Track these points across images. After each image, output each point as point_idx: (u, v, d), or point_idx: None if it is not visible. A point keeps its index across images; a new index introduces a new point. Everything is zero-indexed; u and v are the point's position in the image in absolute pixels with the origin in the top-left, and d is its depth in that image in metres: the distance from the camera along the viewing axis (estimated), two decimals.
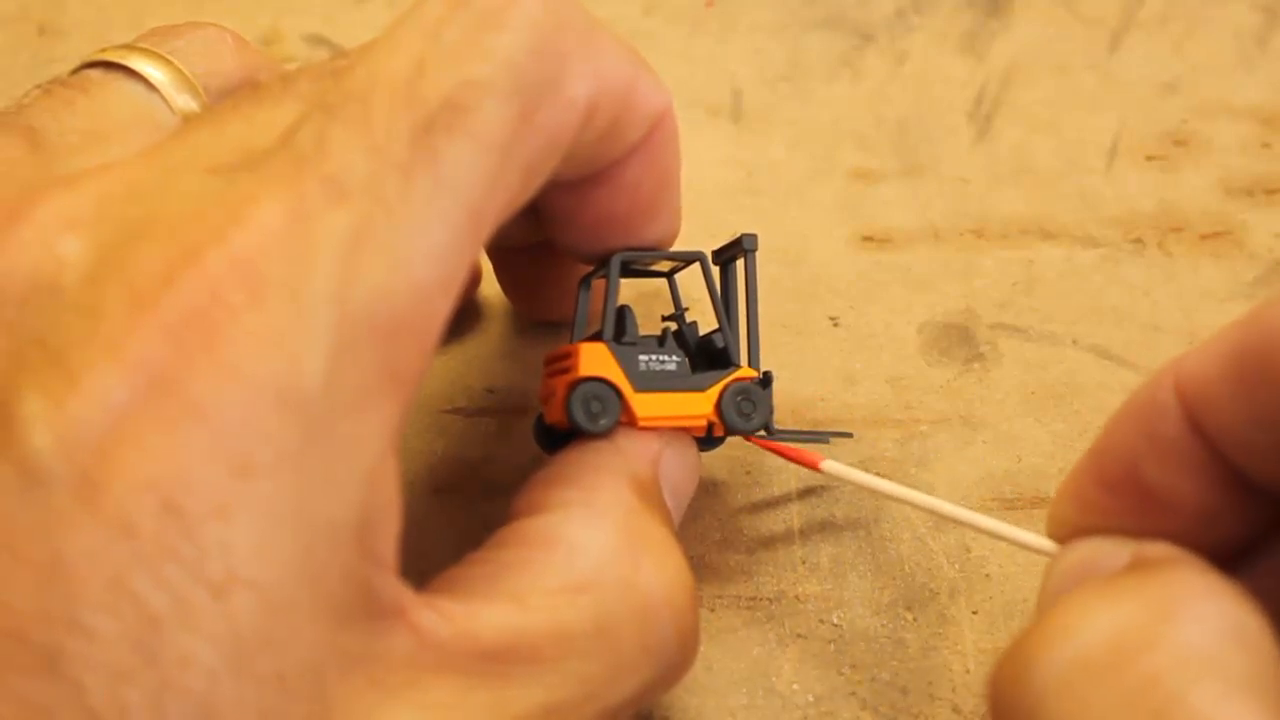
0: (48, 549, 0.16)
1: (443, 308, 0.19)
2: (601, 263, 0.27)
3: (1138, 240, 0.35)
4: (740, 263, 0.27)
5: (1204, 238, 0.35)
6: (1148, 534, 0.20)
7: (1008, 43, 0.40)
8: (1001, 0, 0.41)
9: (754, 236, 0.27)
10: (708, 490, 0.30)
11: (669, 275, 0.28)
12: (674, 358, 0.26)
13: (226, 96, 0.24)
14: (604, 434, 0.25)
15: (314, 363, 0.18)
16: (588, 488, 0.23)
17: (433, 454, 0.31)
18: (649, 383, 0.25)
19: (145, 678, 0.16)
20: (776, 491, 0.30)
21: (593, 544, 0.22)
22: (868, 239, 0.35)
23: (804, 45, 0.40)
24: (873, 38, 0.40)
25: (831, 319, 0.34)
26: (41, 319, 0.18)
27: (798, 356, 0.33)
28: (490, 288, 0.34)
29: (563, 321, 0.32)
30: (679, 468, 0.26)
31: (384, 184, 0.19)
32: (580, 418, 0.25)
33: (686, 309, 0.28)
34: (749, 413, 0.26)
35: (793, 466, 0.30)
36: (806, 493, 0.30)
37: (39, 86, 0.24)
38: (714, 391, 0.26)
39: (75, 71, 0.24)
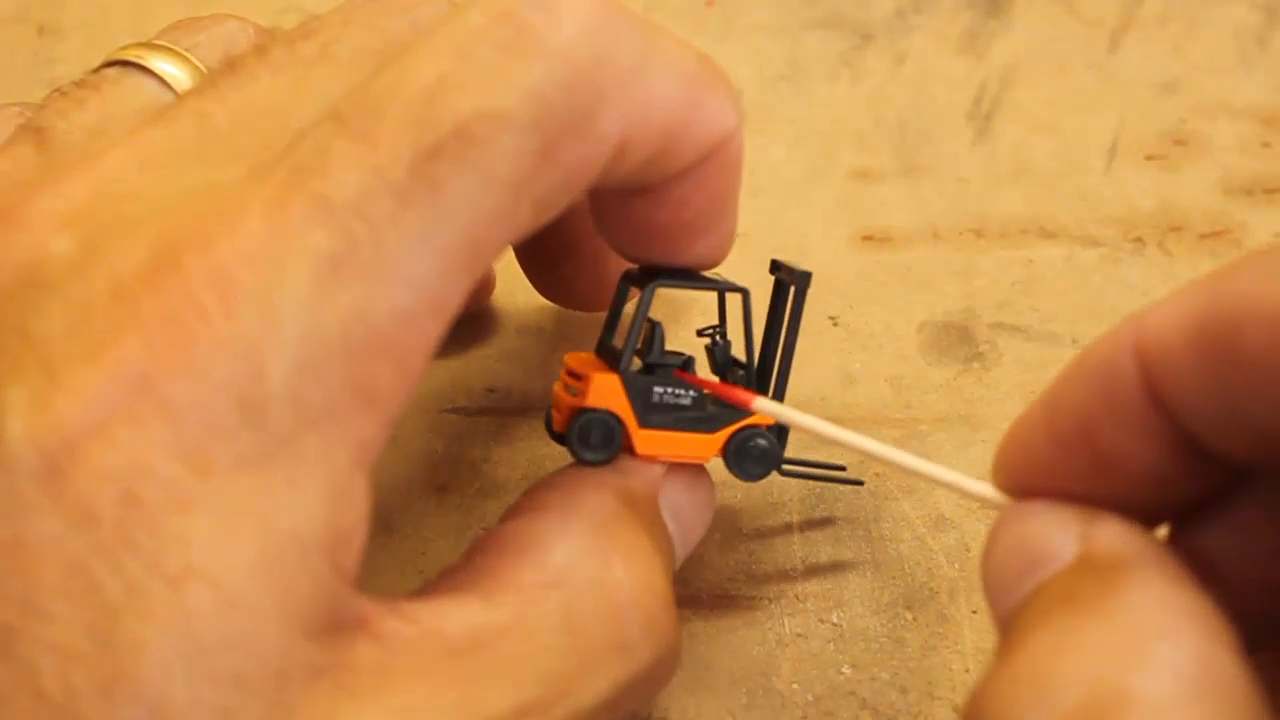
0: (9, 531, 0.17)
1: (430, 332, 0.19)
2: (641, 271, 0.26)
3: (1138, 240, 0.35)
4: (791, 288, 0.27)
5: (1204, 237, 0.35)
6: (1097, 491, 0.20)
7: (1007, 43, 0.40)
8: (1001, 0, 0.41)
9: (808, 275, 0.26)
10: None
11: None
12: (691, 392, 0.25)
13: (204, 76, 0.24)
14: (600, 465, 0.25)
15: (278, 373, 0.18)
16: (568, 493, 0.23)
17: (433, 454, 0.31)
18: (659, 417, 0.25)
19: (98, 664, 0.16)
20: (776, 491, 0.30)
21: (563, 543, 0.22)
22: (868, 239, 0.35)
23: (804, 45, 0.40)
24: (872, 37, 0.40)
25: (831, 319, 0.34)
26: (27, 311, 0.18)
27: (798, 356, 0.33)
28: (494, 290, 0.34)
29: (580, 309, 0.32)
30: (685, 494, 0.25)
31: (376, 206, 0.18)
32: (577, 447, 0.25)
33: (722, 329, 0.27)
34: (753, 463, 0.26)
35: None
36: (806, 493, 0.30)
37: (58, 89, 0.24)
38: (722, 435, 0.25)
39: (95, 71, 0.24)
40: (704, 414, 0.25)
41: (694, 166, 0.23)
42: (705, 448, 0.25)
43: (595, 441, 0.25)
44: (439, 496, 0.30)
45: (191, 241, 0.18)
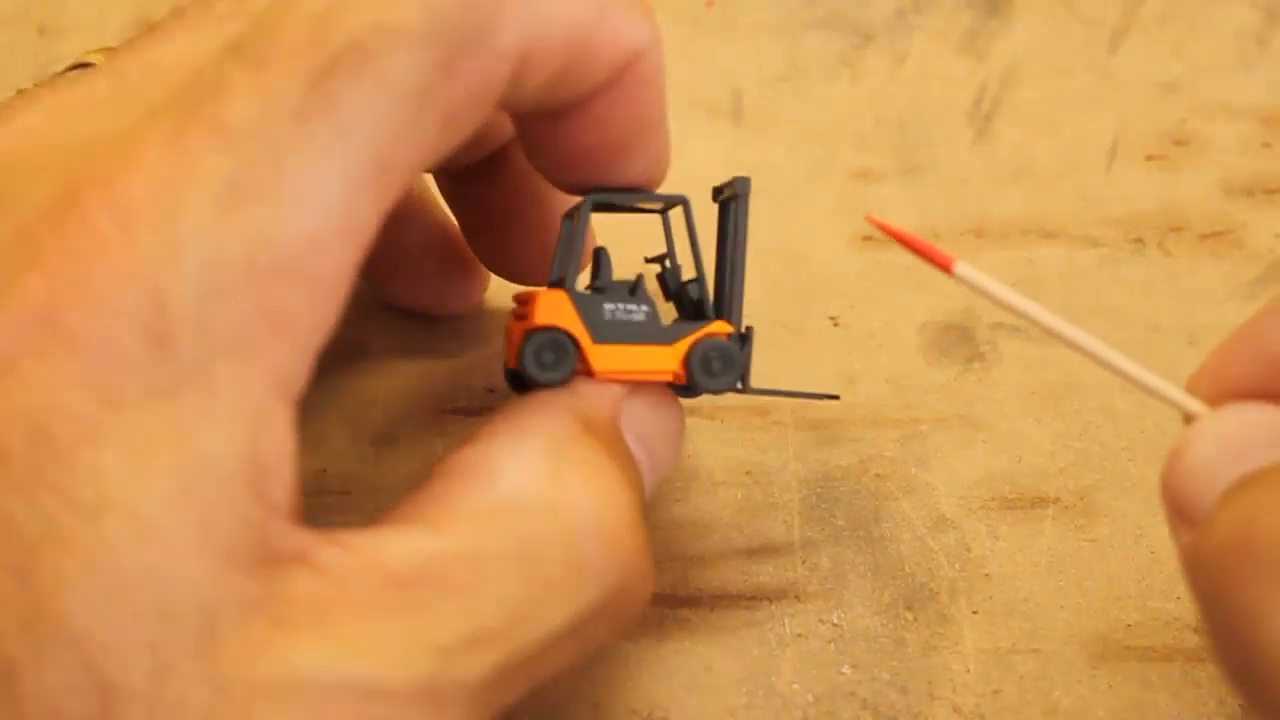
0: None
1: (341, 256, 0.19)
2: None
3: (1138, 240, 0.35)
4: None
5: (1204, 238, 0.35)
6: None
7: (1008, 43, 0.40)
8: (1001, 0, 0.41)
9: (746, 180, 0.26)
10: (707, 490, 0.30)
11: (662, 212, 0.27)
12: (643, 307, 0.25)
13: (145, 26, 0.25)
14: (557, 384, 0.24)
15: (182, 300, 0.18)
16: (520, 417, 0.23)
17: (433, 454, 0.31)
18: (612, 333, 0.24)
19: (19, 601, 0.16)
20: (776, 491, 0.30)
21: (514, 467, 0.21)
22: (868, 239, 0.35)
23: (804, 45, 0.40)
24: (873, 38, 0.40)
25: (831, 319, 0.34)
26: None
27: (798, 356, 0.33)
28: (491, 288, 0.34)
29: (528, 283, 0.31)
30: (649, 417, 0.25)
31: (273, 128, 0.18)
32: (531, 367, 0.24)
33: (671, 255, 0.27)
34: (718, 371, 0.25)
35: (792, 466, 0.30)
36: (807, 493, 0.30)
37: (19, 89, 0.24)
38: (682, 346, 0.25)
39: (59, 73, 0.25)
40: (660, 328, 0.25)
41: (609, 83, 0.23)
42: (666, 360, 0.25)
43: (549, 360, 0.24)
44: None
45: (91, 179, 0.18)
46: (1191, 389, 0.22)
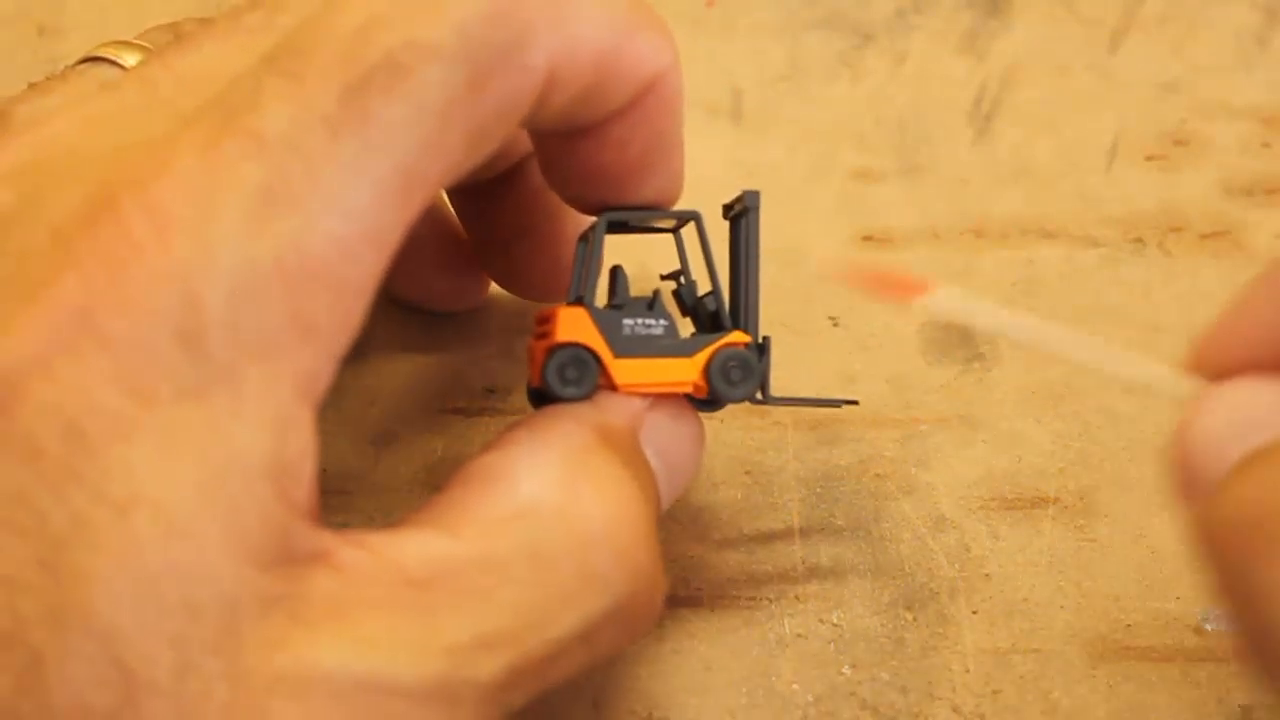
0: None
1: (368, 264, 0.19)
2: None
3: (1138, 240, 0.35)
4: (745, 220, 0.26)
5: (1204, 238, 0.35)
6: None
7: (1008, 43, 0.40)
8: (1001, 0, 0.41)
9: (756, 194, 0.26)
10: (708, 490, 0.30)
11: (674, 230, 0.27)
12: (661, 321, 0.25)
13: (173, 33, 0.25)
14: (580, 400, 0.24)
15: (214, 302, 0.18)
16: (540, 427, 0.23)
17: (433, 453, 0.31)
18: (632, 348, 0.25)
19: (46, 593, 0.17)
20: (776, 491, 0.30)
21: (530, 475, 0.22)
22: (868, 239, 0.35)
23: (804, 45, 0.40)
24: (873, 38, 0.40)
25: (831, 319, 0.34)
26: None
27: (798, 356, 0.33)
28: (492, 288, 0.34)
29: (537, 298, 0.32)
30: (669, 432, 0.25)
31: (307, 138, 0.19)
32: (554, 383, 0.24)
33: (685, 271, 0.27)
34: (738, 380, 0.25)
35: (792, 466, 0.30)
36: (806, 493, 0.30)
37: (31, 83, 0.24)
38: (701, 357, 0.25)
39: (70, 67, 0.25)
40: (679, 340, 0.25)
41: (630, 105, 0.23)
42: (686, 371, 0.25)
43: (571, 376, 0.24)
44: None
45: (127, 184, 0.18)
46: (1193, 363, 0.22)
